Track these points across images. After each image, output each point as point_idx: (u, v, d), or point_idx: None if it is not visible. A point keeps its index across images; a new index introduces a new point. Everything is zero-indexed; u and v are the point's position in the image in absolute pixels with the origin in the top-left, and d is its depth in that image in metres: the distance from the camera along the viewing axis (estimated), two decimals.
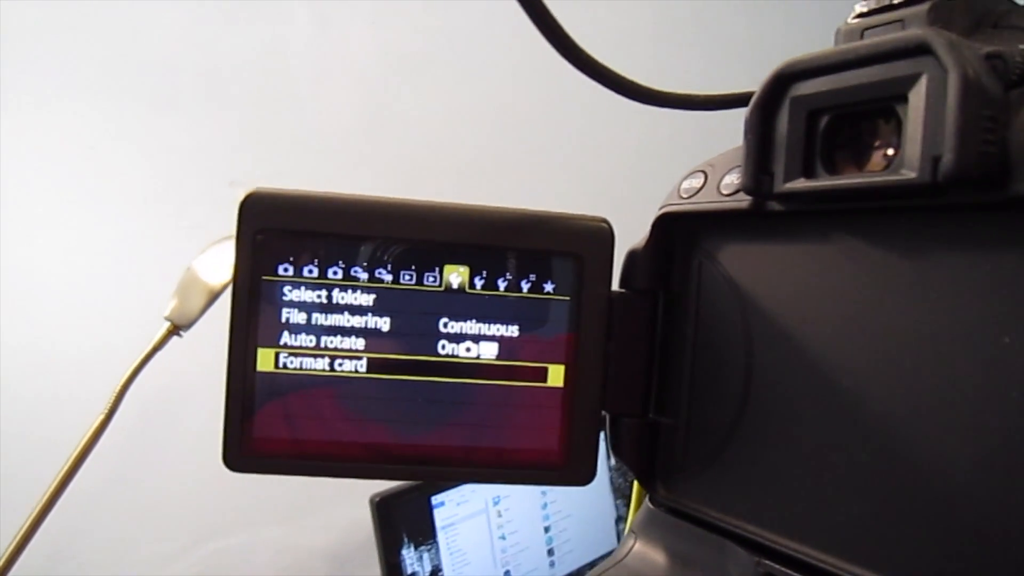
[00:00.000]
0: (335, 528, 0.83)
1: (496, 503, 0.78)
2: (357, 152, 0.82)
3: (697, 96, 0.25)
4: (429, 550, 0.72)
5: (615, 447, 0.28)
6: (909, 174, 0.19)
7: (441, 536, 0.73)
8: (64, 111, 0.70)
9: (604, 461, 0.89)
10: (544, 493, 0.83)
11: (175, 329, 0.58)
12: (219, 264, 0.58)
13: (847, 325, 0.22)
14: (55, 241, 0.70)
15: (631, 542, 0.27)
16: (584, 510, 0.87)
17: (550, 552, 0.84)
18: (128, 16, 0.71)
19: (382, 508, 0.69)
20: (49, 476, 0.54)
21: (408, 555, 0.71)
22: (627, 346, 0.27)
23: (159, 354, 0.57)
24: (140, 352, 0.57)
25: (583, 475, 0.27)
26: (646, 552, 0.27)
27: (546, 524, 0.84)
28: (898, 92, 0.20)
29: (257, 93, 0.77)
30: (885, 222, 0.22)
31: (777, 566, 0.23)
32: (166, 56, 0.73)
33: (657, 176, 0.27)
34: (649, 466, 0.28)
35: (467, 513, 0.76)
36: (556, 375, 0.27)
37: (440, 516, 0.73)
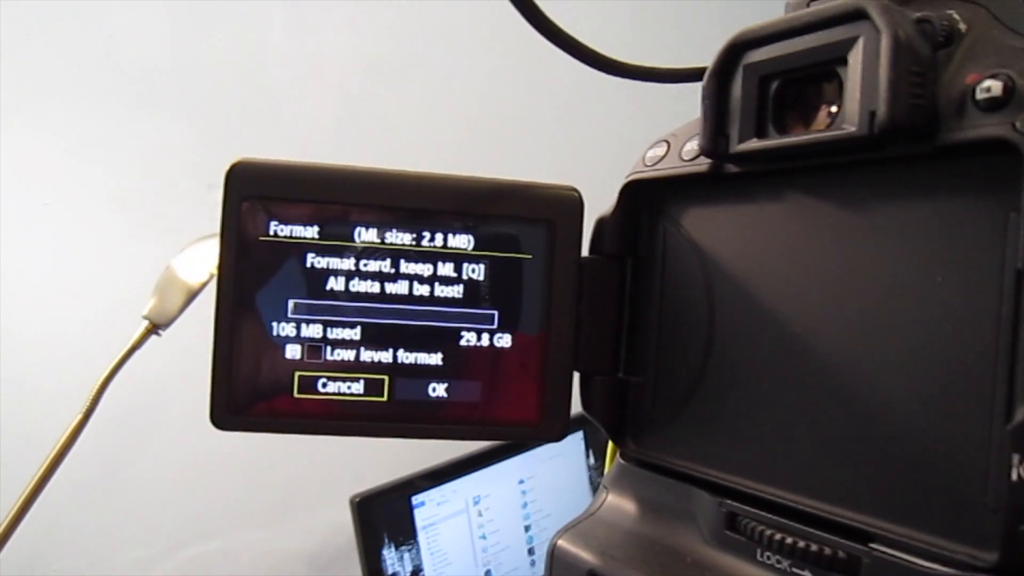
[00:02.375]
0: (316, 530, 0.83)
1: (476, 502, 0.79)
2: (333, 155, 0.83)
3: (659, 69, 0.26)
4: (410, 550, 0.72)
5: (586, 405, 0.29)
6: (849, 128, 0.21)
7: (422, 536, 0.73)
8: (42, 113, 0.70)
9: (584, 459, 0.90)
10: (524, 493, 0.84)
11: (154, 328, 0.58)
12: (198, 263, 0.58)
13: (798, 277, 0.24)
14: (33, 241, 0.70)
15: (604, 495, 0.28)
16: (565, 509, 0.88)
17: (531, 551, 0.84)
18: (106, 19, 0.72)
19: (362, 509, 0.69)
20: (26, 478, 0.54)
21: (389, 555, 0.70)
22: (597, 308, 0.29)
23: (138, 354, 0.57)
24: (118, 351, 0.57)
25: (556, 432, 0.28)
26: (618, 503, 0.28)
27: (526, 523, 0.84)
28: (839, 55, 0.21)
29: (234, 96, 0.78)
30: (831, 177, 0.23)
31: (738, 504, 0.25)
32: (144, 59, 0.74)
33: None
34: (619, 423, 0.29)
35: (448, 513, 0.76)
36: (530, 336, 0.28)
37: (421, 516, 0.73)
